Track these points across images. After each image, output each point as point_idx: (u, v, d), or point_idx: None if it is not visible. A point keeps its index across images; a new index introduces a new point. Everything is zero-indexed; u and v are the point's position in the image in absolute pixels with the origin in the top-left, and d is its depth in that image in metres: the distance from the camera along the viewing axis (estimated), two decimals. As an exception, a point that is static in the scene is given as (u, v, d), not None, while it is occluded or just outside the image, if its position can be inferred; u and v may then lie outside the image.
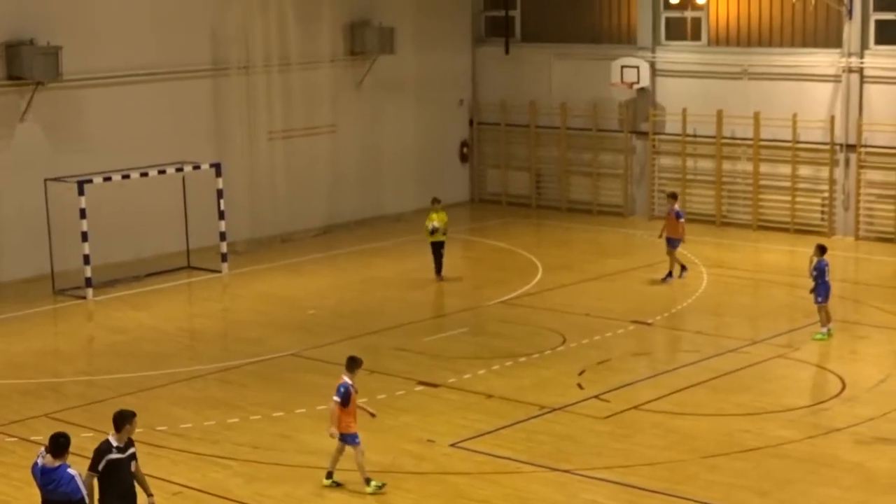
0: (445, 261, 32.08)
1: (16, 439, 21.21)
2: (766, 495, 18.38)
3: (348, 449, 18.83)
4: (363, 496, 18.49)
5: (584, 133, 40.80)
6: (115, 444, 15.39)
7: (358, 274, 33.23)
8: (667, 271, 31.61)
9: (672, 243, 31.72)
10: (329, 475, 18.93)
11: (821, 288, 26.39)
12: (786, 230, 36.78)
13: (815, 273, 26.41)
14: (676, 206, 32.12)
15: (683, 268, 31.71)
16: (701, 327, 27.59)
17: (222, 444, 20.81)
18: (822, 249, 26.66)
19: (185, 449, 20.61)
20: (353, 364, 19.01)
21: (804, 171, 37.01)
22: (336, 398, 18.61)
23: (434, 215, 31.71)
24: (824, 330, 26.25)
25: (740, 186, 38.13)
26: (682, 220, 32.00)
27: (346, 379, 18.82)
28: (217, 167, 33.33)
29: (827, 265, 26.41)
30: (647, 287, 31.33)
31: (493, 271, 32.35)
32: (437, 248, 31.87)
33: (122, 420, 15.48)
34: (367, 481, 18.74)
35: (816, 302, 26.40)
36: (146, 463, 19.86)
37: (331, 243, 36.92)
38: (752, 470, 19.42)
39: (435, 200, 32.42)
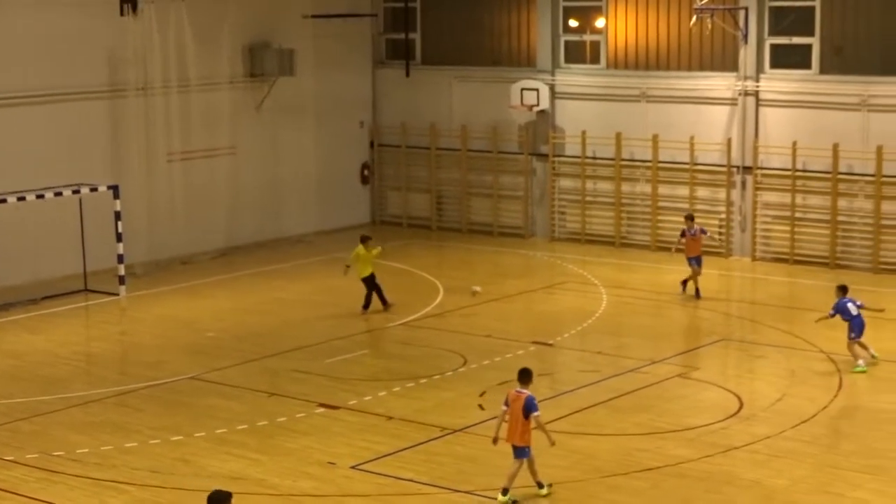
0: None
1: None
2: (666, 514, 18.53)
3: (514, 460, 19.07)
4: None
5: (485, 155, 40.94)
6: None
7: (258, 296, 33.03)
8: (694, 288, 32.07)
9: (698, 261, 32.15)
10: (541, 485, 19.13)
11: (854, 324, 26.21)
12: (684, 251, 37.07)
13: (832, 312, 26.36)
14: (696, 226, 32.58)
15: (691, 289, 32.11)
16: (601, 347, 27.73)
17: (120, 468, 20.54)
18: (843, 290, 26.70)
19: (81, 474, 20.32)
20: (528, 376, 19.12)
21: (702, 192, 37.41)
22: (537, 412, 18.77)
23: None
24: (861, 363, 26.08)
25: (639, 208, 38.45)
26: (707, 234, 33.03)
27: (528, 391, 18.90)
28: (115, 189, 32.96)
29: (849, 302, 26.27)
30: (548, 308, 31.48)
31: (393, 293, 32.27)
32: (366, 283, 31.01)
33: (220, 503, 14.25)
34: (539, 485, 19.16)
35: (850, 338, 26.19)
36: (42, 489, 19.67)
37: (231, 265, 36.68)
38: (651, 489, 19.53)
39: (362, 239, 31.39)
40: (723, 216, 36.89)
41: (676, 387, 24.79)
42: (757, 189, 36.41)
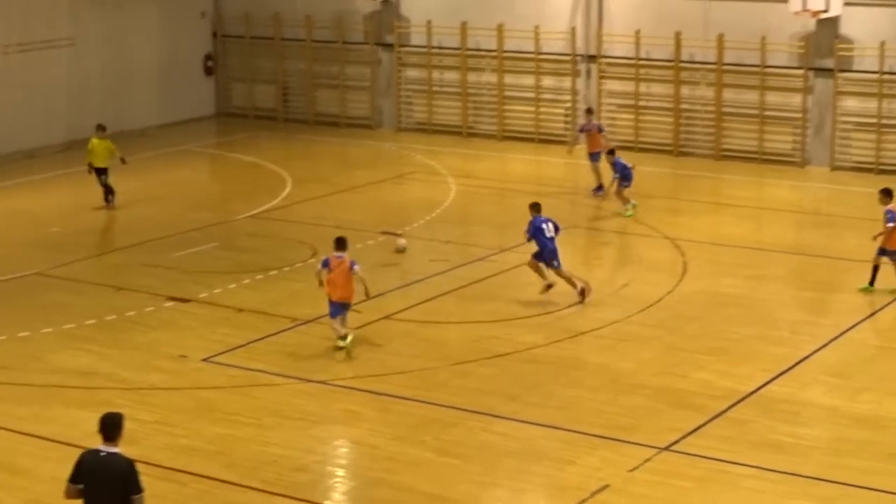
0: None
1: None
2: (515, 399, 18.79)
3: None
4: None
5: (330, 45, 40.59)
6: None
7: (102, 190, 32.46)
8: (596, 184, 31.26)
9: (594, 157, 31.27)
10: (344, 338, 20.79)
11: (624, 175, 28.60)
12: (530, 140, 37.37)
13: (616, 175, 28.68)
14: (595, 120, 31.84)
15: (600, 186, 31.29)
16: (450, 237, 27.90)
17: (-34, 366, 20.28)
18: (611, 152, 28.88)
19: (-74, 372, 20.02)
20: (345, 243, 21.25)
21: (547, 81, 37.61)
22: (358, 266, 20.96)
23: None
24: (631, 205, 27.48)
25: (485, 98, 38.54)
26: (604, 132, 31.80)
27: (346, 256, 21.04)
28: (-49, 82, 32.16)
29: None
30: (396, 198, 31.52)
31: (241, 185, 32.05)
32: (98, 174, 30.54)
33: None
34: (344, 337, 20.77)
35: (620, 186, 28.83)
36: None
37: (74, 159, 35.80)
38: (501, 375, 19.81)
39: (98, 128, 30.90)
40: (568, 105, 37.15)
41: (524, 274, 25.03)
42: (601, 78, 36.71)
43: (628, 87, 36.31)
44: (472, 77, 38.59)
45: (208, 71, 42.48)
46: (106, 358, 20.58)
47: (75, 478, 12.38)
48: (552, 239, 23.36)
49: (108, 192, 30.50)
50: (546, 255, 23.34)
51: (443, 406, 18.57)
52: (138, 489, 12.23)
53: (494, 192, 32.03)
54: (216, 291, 23.95)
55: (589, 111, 32.72)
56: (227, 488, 16.07)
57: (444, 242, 27.50)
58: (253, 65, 41.98)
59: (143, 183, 33.16)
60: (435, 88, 39.21)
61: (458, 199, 31.15)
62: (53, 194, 32.12)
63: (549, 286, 23.26)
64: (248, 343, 21.21)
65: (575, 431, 17.67)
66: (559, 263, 23.32)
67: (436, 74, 39.18)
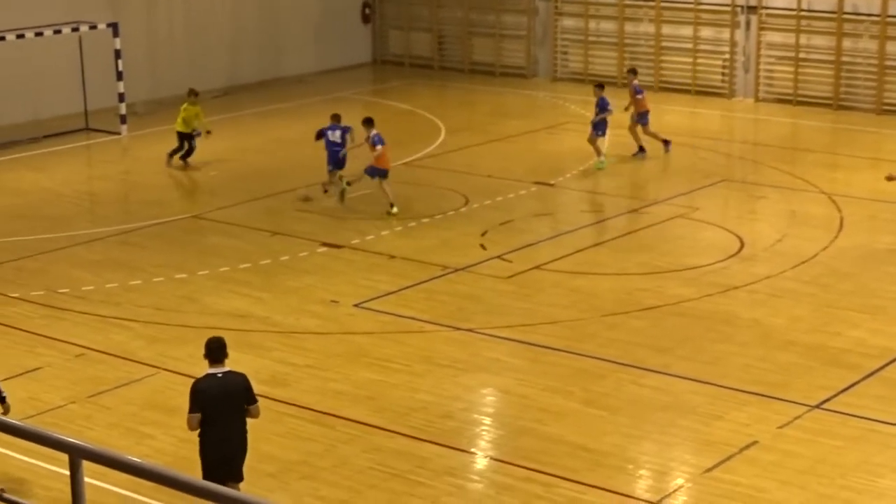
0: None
1: (-86, 303, 20.99)
2: (665, 352, 18.69)
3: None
4: (263, 360, 18.54)
5: (487, -6, 40.58)
6: None
7: (260, 135, 32.97)
8: (637, 146, 30.21)
9: (641, 119, 30.18)
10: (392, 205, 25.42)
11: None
12: (687, 92, 36.95)
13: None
14: (636, 82, 30.64)
15: (641, 148, 30.23)
16: (603, 188, 27.76)
17: (125, 306, 20.73)
18: (600, 87, 29.47)
19: (86, 311, 20.51)
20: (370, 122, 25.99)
21: (705, 32, 37.11)
22: (379, 146, 25.49)
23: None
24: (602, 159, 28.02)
25: (643, 48, 38.16)
26: (641, 96, 30.22)
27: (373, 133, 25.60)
28: (114, 27, 32.71)
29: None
30: (550, 148, 31.43)
31: (395, 132, 32.13)
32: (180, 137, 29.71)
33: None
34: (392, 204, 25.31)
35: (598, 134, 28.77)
36: (48, 326, 19.85)
37: (232, 104, 36.50)
38: (651, 327, 19.71)
39: (190, 92, 30.04)
40: (727, 57, 36.64)
41: (677, 227, 24.88)
42: (761, 29, 36.10)
43: (789, 38, 35.66)
44: (629, 27, 38.24)
45: (366, 19, 42.69)
46: (260, 301, 20.92)
47: (194, 407, 13.13)
48: (339, 145, 26.47)
49: (189, 151, 29.65)
50: (334, 162, 26.61)
51: (592, 357, 18.55)
52: (255, 398, 13.29)
53: (649, 144, 31.67)
54: (368, 238, 24.17)
55: (631, 72, 31.32)
56: (375, 433, 16.26)
57: (596, 193, 27.37)
58: (410, 13, 42.09)
59: (299, 129, 33.49)
60: (591, 38, 38.94)
61: (612, 150, 30.85)
62: (211, 139, 32.51)
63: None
64: (400, 290, 21.38)
65: (724, 387, 17.54)
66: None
67: (592, 24, 38.89)
